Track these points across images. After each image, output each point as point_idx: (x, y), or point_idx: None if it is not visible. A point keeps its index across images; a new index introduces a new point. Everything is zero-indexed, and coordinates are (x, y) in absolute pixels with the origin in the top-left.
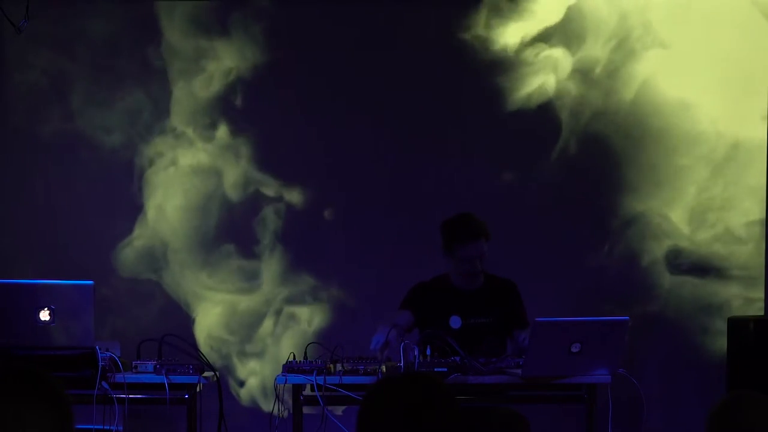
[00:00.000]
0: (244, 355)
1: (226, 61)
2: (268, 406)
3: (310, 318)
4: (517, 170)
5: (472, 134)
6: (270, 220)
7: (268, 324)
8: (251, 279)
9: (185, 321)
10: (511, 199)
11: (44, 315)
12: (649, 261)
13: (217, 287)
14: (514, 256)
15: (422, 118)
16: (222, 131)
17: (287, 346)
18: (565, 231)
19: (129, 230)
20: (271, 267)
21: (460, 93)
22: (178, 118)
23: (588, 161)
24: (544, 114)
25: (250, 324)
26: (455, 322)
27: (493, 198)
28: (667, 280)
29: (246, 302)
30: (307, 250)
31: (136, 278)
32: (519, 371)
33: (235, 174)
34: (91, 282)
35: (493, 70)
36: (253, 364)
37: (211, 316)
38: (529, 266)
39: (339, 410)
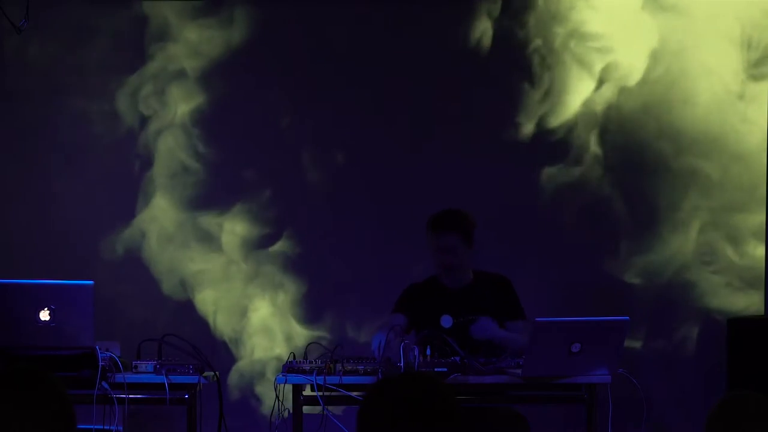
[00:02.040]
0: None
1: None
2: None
3: (300, 317)
4: (525, 170)
5: (474, 133)
6: (259, 217)
7: (254, 322)
8: (232, 275)
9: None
10: (517, 200)
11: (44, 315)
12: (655, 260)
13: (208, 281)
14: (520, 255)
15: (423, 111)
16: (211, 126)
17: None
18: (574, 230)
19: (126, 224)
20: (257, 265)
21: (462, 89)
22: (176, 111)
23: (606, 157)
24: (556, 110)
25: (236, 320)
26: (446, 321)
27: (500, 198)
28: (669, 279)
29: (231, 299)
30: (299, 247)
31: (133, 270)
32: (519, 371)
33: (226, 171)
34: (91, 282)
35: (502, 62)
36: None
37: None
38: (540, 266)
39: (339, 410)
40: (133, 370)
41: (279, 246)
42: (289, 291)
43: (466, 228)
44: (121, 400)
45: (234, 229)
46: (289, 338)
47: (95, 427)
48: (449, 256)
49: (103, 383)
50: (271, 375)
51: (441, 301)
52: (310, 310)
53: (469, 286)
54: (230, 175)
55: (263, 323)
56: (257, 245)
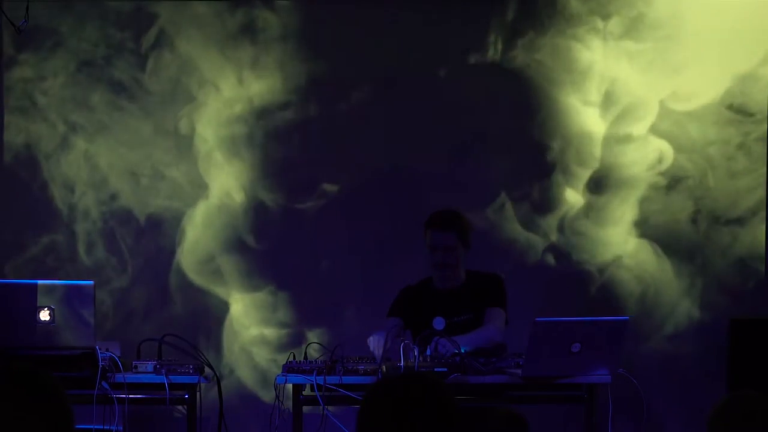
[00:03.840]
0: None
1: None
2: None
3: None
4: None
5: (477, 137)
6: (253, 218)
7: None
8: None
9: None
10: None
11: (44, 315)
12: (652, 260)
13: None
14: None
15: (419, 114)
16: (215, 123)
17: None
18: (575, 230)
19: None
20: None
21: (464, 90)
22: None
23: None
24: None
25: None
26: (439, 323)
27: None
28: (669, 279)
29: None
30: (291, 246)
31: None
32: (519, 371)
33: (221, 170)
34: (91, 282)
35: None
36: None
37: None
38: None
39: (339, 410)
40: (133, 370)
41: (261, 247)
42: (274, 294)
43: (464, 228)
44: (121, 400)
45: (205, 231)
46: (271, 340)
47: (95, 427)
48: (447, 255)
49: (103, 383)
50: (255, 377)
51: (433, 303)
52: (296, 312)
53: (461, 286)
54: (213, 173)
55: (241, 322)
56: (242, 246)
